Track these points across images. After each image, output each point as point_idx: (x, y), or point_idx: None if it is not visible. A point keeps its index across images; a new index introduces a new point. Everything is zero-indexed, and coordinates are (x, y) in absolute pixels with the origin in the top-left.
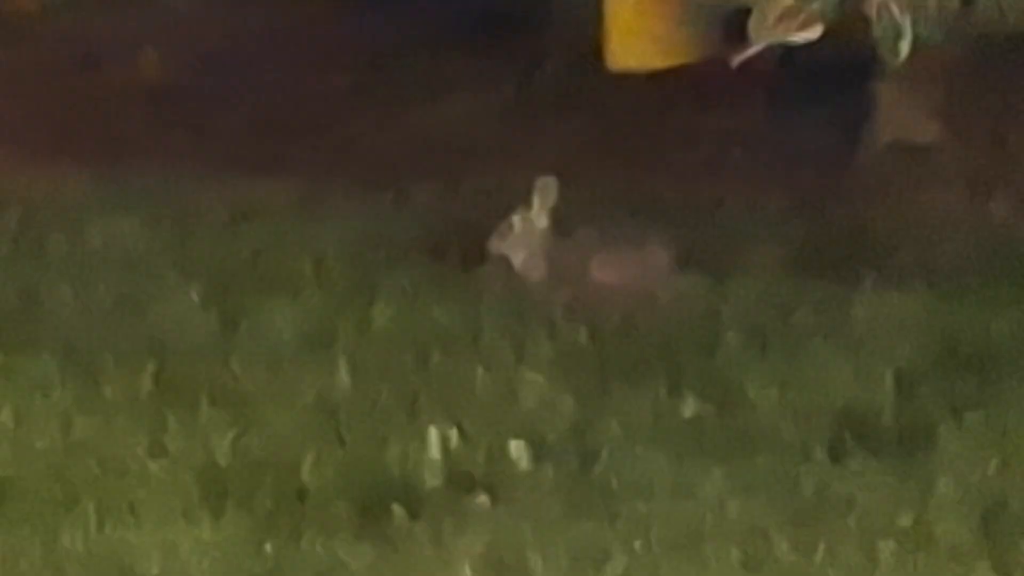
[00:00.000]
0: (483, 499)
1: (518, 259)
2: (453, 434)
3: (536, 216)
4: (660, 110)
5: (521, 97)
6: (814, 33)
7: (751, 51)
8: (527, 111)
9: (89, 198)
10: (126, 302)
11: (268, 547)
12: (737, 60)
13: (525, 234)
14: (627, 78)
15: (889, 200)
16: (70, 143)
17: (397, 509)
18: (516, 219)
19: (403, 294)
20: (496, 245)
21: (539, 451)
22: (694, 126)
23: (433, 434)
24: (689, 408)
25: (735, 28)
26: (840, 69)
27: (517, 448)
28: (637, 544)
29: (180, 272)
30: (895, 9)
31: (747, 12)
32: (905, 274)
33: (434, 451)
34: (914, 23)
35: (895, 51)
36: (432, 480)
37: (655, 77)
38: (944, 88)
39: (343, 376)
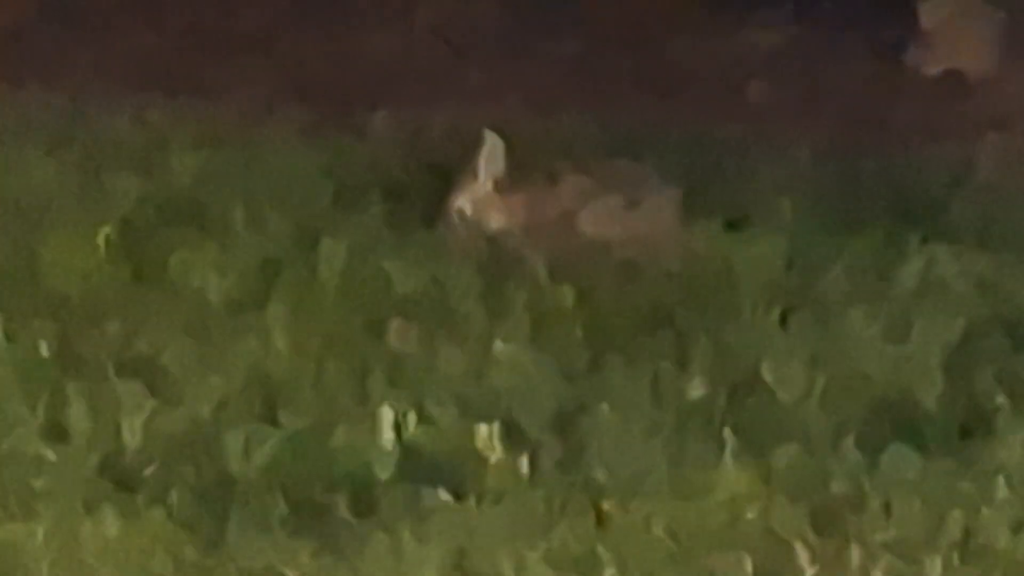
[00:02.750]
0: (445, 494)
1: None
2: (411, 416)
3: (481, 182)
4: (664, 27)
5: (500, 11)
6: None
7: None
8: (507, 28)
9: None
10: (20, 250)
11: (187, 549)
12: None
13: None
14: None
15: (938, 144)
16: None
17: (342, 504)
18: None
19: (353, 247)
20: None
21: (514, 438)
22: (706, 48)
23: (387, 416)
24: (696, 389)
25: None
26: None
27: (487, 434)
28: (631, 551)
29: (86, 214)
30: None
31: None
32: (958, 234)
33: (387, 436)
34: None
35: None
36: (384, 471)
37: None
38: (1007, 9)
39: (279, 344)
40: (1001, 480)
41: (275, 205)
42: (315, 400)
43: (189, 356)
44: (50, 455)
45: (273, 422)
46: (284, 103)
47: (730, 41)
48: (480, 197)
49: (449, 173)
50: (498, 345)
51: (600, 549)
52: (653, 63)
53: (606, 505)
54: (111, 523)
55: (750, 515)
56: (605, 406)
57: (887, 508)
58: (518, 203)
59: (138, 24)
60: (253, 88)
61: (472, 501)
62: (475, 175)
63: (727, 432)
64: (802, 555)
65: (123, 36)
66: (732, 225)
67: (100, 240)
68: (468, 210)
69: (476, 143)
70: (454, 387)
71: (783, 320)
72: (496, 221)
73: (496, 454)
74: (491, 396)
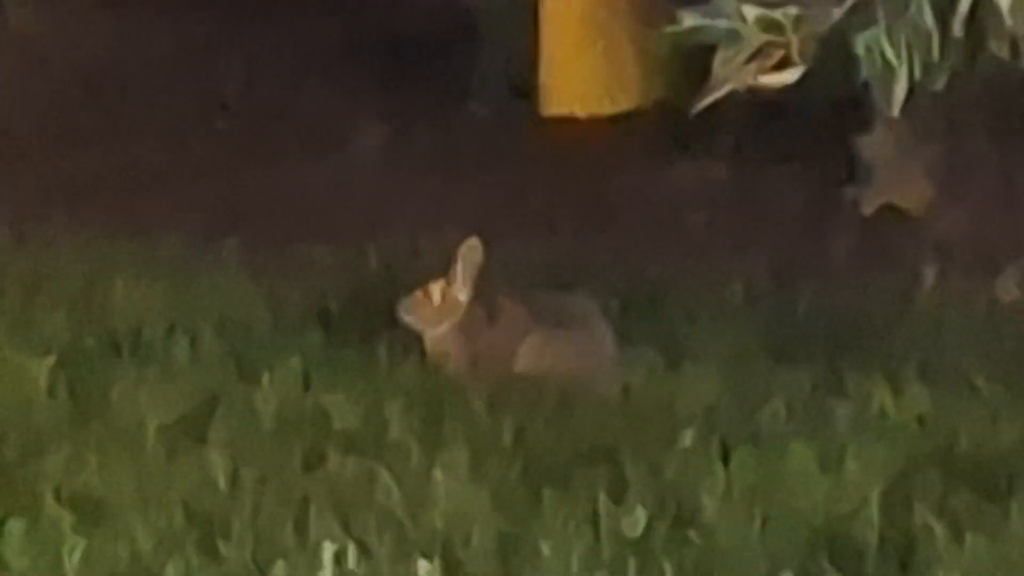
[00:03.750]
0: None
1: (433, 337)
2: (351, 551)
3: (458, 286)
4: (603, 164)
5: (438, 144)
6: (791, 76)
7: (715, 96)
8: (445, 161)
9: None
10: None
11: None
12: (698, 106)
13: (444, 306)
14: (564, 124)
15: (877, 276)
16: None
17: None
18: (435, 288)
19: (293, 378)
20: (407, 318)
21: (454, 571)
22: (645, 184)
23: (327, 551)
24: (635, 524)
25: (696, 68)
26: (822, 119)
27: (427, 569)
28: None
29: (26, 344)
30: (888, 48)
31: (710, 49)
32: (896, 366)
33: (328, 571)
34: (910, 65)
35: (887, 98)
36: None
37: (597, 124)
38: (944, 144)
39: (219, 477)
40: None
41: (216, 336)
42: (255, 534)
43: (129, 489)
44: None
45: (213, 556)
46: (223, 235)
47: (669, 174)
48: (430, 317)
49: (387, 305)
50: (437, 478)
51: None
52: (592, 195)
53: None
54: None
55: None
56: (544, 541)
57: None
58: (456, 337)
59: (78, 157)
60: (192, 220)
61: None
62: (447, 275)
63: (666, 566)
64: None
65: (64, 169)
66: (670, 358)
67: (41, 372)
68: (418, 328)
69: (416, 270)
70: (393, 521)
71: (722, 453)
72: (436, 353)
73: None
74: (430, 530)
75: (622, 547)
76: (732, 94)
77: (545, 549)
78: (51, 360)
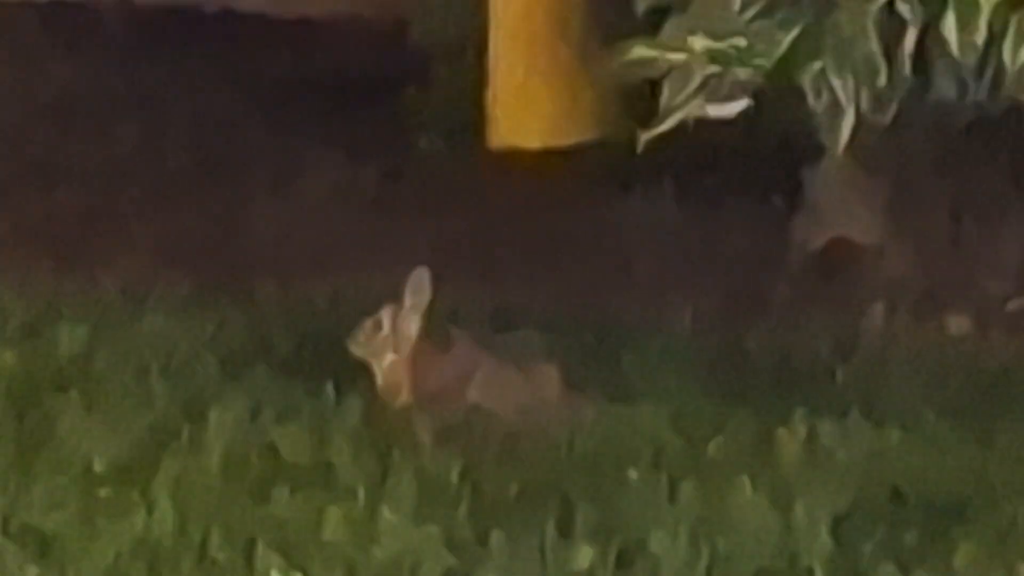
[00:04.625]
0: None
1: (383, 368)
2: None
3: (406, 316)
4: (552, 199)
5: (385, 179)
6: (737, 107)
7: (662, 128)
8: (392, 196)
9: None
10: None
11: None
12: (645, 138)
13: (393, 337)
14: (513, 159)
15: (825, 314)
16: None
17: None
18: (385, 315)
19: (240, 416)
20: (357, 348)
21: None
22: (592, 220)
23: None
24: (581, 559)
25: (643, 101)
26: (768, 153)
27: None
28: None
29: None
30: (836, 83)
31: (658, 83)
32: (843, 405)
33: None
34: (857, 100)
35: (834, 133)
36: None
37: (546, 158)
38: (892, 180)
39: (166, 514)
40: None
41: (161, 374)
42: (202, 571)
43: (76, 523)
44: None
45: None
46: (169, 272)
47: (613, 213)
48: (380, 348)
49: (335, 341)
50: (384, 514)
51: None
52: (540, 231)
53: None
54: None
55: None
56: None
57: None
58: (405, 370)
59: (23, 196)
60: (138, 258)
61: None
62: (378, 322)
63: None
64: None
65: (8, 207)
66: (618, 396)
67: None
68: (368, 359)
69: (363, 309)
70: (341, 558)
71: (670, 491)
72: (386, 387)
73: None
74: (378, 567)
75: None
76: (680, 129)
77: None
78: None
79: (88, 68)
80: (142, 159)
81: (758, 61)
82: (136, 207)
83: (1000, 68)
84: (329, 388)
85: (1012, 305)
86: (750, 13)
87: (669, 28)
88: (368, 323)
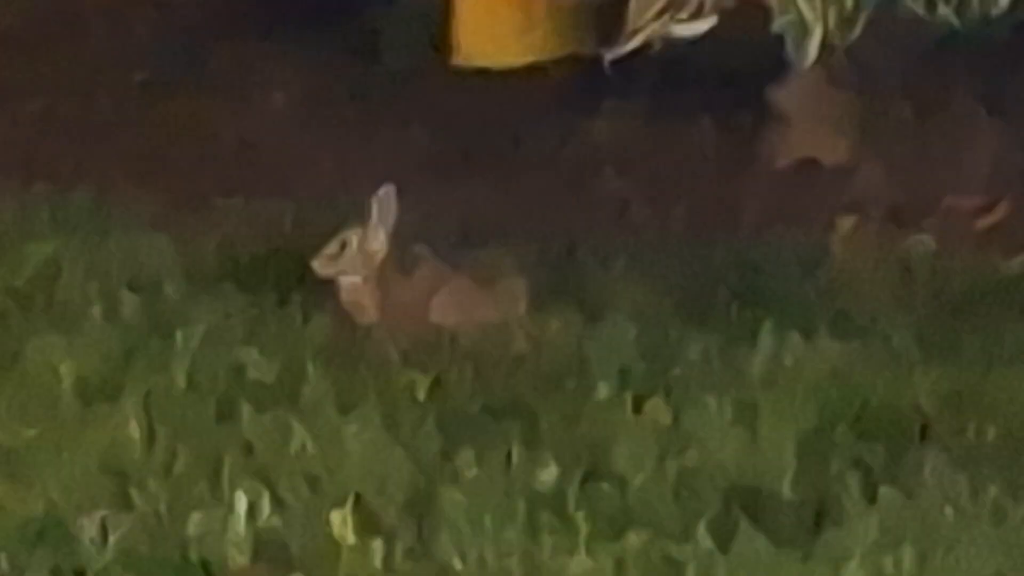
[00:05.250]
0: None
1: (348, 287)
2: (264, 502)
3: (372, 235)
4: (517, 116)
5: (350, 97)
6: (704, 26)
7: (628, 47)
8: (357, 114)
9: None
10: None
11: None
12: (611, 57)
13: (360, 256)
14: (477, 76)
15: (791, 232)
16: None
17: None
18: (352, 236)
19: (206, 332)
20: (323, 266)
21: (368, 524)
22: (558, 136)
23: (241, 501)
24: (547, 476)
25: (609, 19)
26: (734, 71)
27: (341, 520)
28: None
29: None
30: (802, 0)
31: (625, 1)
32: (810, 321)
33: (241, 522)
34: (824, 18)
35: (801, 51)
36: (239, 556)
37: (511, 76)
38: (858, 98)
39: (133, 431)
40: (852, 566)
41: (128, 292)
42: (169, 486)
43: (43, 442)
44: None
45: (128, 508)
46: (135, 191)
47: (582, 129)
48: (346, 265)
49: (301, 259)
50: (350, 431)
51: None
52: (505, 150)
53: None
54: None
55: None
56: (458, 491)
57: None
58: (371, 289)
59: None
60: (104, 176)
61: None
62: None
63: (580, 518)
64: None
65: None
66: (584, 312)
67: None
68: (334, 276)
69: (328, 225)
70: (307, 473)
71: (636, 407)
72: (351, 306)
73: (350, 540)
74: (344, 482)
75: (535, 499)
76: (646, 47)
77: (459, 500)
78: None
79: None
80: (109, 76)
81: None
82: (103, 123)
83: None
84: (295, 306)
85: (980, 223)
86: None
87: None
88: (334, 243)
